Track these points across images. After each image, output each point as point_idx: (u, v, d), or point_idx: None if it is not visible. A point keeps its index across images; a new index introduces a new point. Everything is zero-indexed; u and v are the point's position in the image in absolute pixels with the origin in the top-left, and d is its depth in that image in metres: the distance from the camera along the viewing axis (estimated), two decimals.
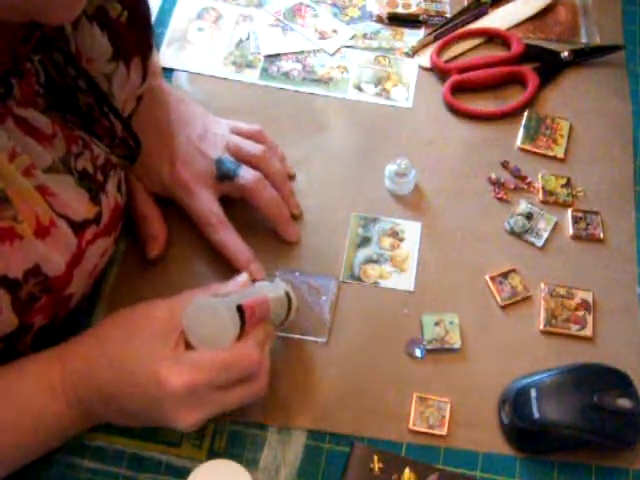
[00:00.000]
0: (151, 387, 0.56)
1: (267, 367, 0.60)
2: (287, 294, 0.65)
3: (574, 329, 0.70)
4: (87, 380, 0.58)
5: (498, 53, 0.88)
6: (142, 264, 0.72)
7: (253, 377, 0.59)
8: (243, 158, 0.73)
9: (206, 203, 0.71)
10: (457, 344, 0.69)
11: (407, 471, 0.62)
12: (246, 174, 0.71)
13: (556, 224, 0.76)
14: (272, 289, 0.64)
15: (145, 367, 0.57)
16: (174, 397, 0.55)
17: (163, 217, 0.73)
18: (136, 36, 0.64)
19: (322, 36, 0.89)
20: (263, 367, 0.60)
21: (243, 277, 0.65)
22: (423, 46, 0.88)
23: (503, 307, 0.71)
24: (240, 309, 0.58)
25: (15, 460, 0.59)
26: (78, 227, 0.58)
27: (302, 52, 0.87)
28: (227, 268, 0.71)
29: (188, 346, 0.58)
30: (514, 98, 0.84)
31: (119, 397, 0.58)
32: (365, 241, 0.75)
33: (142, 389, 0.57)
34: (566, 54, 0.87)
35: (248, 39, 0.88)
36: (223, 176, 0.71)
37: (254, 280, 0.67)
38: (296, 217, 0.75)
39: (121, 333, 0.59)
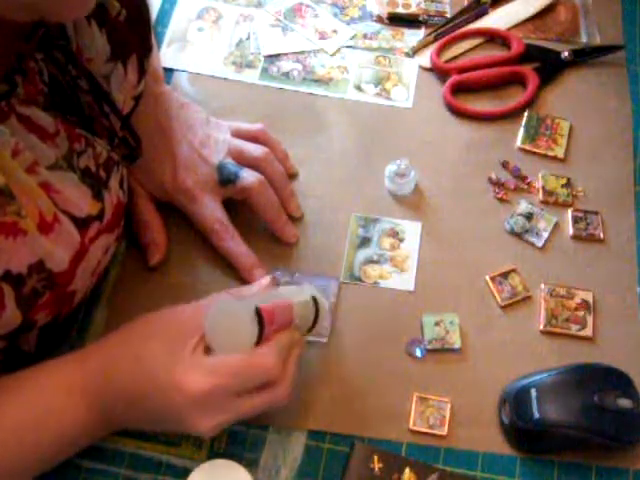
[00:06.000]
0: (168, 389, 0.56)
1: (290, 376, 0.58)
2: (314, 299, 0.63)
3: (574, 329, 0.70)
4: (110, 376, 0.58)
5: (498, 53, 0.88)
6: (142, 265, 0.72)
7: (272, 385, 0.57)
8: (245, 161, 0.73)
9: (209, 210, 0.71)
10: (457, 344, 0.69)
11: (407, 471, 0.62)
12: (247, 176, 0.71)
13: (556, 224, 0.76)
14: (298, 293, 0.62)
15: (163, 368, 0.56)
16: (189, 401, 0.55)
17: (164, 223, 0.73)
18: (135, 35, 0.64)
19: (322, 36, 0.89)
20: (285, 375, 0.58)
21: (267, 280, 0.65)
22: (423, 46, 0.88)
23: (503, 307, 0.71)
24: (258, 313, 0.56)
25: (33, 464, 0.58)
26: (81, 223, 0.58)
27: (302, 52, 0.87)
28: (229, 269, 0.71)
29: (208, 350, 0.57)
30: (514, 98, 0.84)
31: (140, 396, 0.57)
32: (365, 241, 0.75)
33: (160, 389, 0.56)
34: (566, 54, 0.87)
35: (248, 39, 0.88)
36: (225, 181, 0.71)
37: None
38: (296, 219, 0.75)
39: (146, 331, 0.60)
